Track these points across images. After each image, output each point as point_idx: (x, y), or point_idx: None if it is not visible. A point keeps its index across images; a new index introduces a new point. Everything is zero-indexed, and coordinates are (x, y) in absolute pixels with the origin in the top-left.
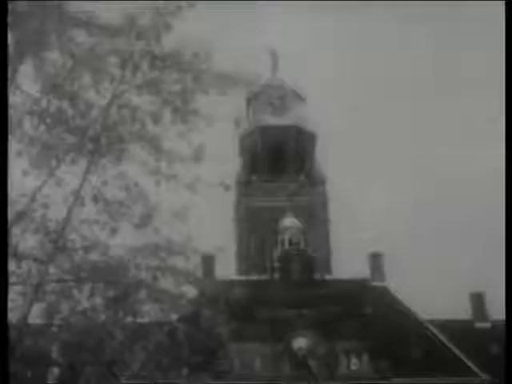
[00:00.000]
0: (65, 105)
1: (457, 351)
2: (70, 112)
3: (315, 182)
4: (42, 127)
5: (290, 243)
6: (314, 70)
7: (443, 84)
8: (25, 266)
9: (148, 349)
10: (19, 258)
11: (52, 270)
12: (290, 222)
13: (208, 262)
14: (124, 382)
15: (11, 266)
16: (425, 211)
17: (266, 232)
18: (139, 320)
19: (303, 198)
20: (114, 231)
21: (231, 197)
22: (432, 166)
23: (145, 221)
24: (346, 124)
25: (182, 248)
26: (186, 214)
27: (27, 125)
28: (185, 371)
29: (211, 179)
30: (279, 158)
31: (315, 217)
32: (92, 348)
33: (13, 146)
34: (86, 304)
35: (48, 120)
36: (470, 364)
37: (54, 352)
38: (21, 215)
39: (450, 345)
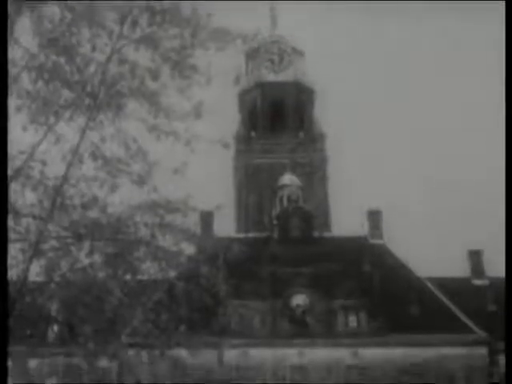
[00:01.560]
0: (62, 60)
1: (454, 308)
2: (68, 67)
3: (314, 138)
4: (40, 82)
5: (289, 200)
6: (313, 26)
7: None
8: (24, 222)
9: (147, 306)
10: (18, 214)
11: (51, 227)
12: (288, 179)
13: (207, 219)
14: (123, 339)
15: (10, 222)
16: (424, 169)
17: (264, 189)
18: (138, 277)
19: (302, 155)
20: (112, 188)
21: (230, 154)
22: (432, 124)
23: (144, 178)
24: (346, 81)
25: (180, 205)
26: (185, 171)
27: (25, 80)
28: (183, 328)
29: (210, 136)
30: (278, 115)
31: (314, 174)
32: (91, 305)
33: (11, 101)
34: (85, 261)
35: (46, 75)
36: (467, 321)
37: (54, 309)
38: (19, 171)
39: (447, 302)
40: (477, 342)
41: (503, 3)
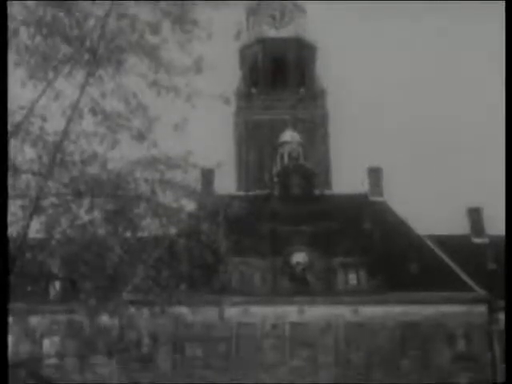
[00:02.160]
0: (61, 14)
1: (454, 266)
2: (67, 22)
3: (316, 95)
4: (39, 37)
5: (290, 158)
6: None
7: None
8: (23, 179)
9: (147, 263)
10: (18, 171)
11: (51, 183)
12: (289, 136)
13: (207, 176)
14: (124, 296)
15: (10, 179)
16: (426, 127)
17: (265, 146)
18: (139, 234)
19: (303, 112)
20: (112, 144)
21: (231, 110)
22: (435, 82)
23: (144, 133)
24: (348, 37)
25: (181, 161)
26: (186, 127)
27: (24, 35)
28: (184, 286)
29: (211, 92)
30: (279, 71)
31: (315, 131)
32: (92, 262)
33: (10, 56)
34: (85, 218)
35: (44, 30)
36: (466, 279)
37: (54, 266)
38: (19, 127)
39: (447, 260)
40: (476, 300)
41: (503, 3)
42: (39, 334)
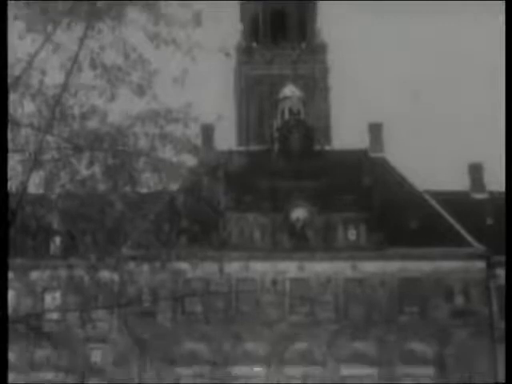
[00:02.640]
0: None
1: (453, 222)
2: None
3: (316, 50)
4: None
5: (290, 113)
6: None
7: None
8: (23, 133)
9: (148, 218)
10: (17, 125)
11: (50, 138)
12: (290, 91)
13: (207, 131)
14: (124, 251)
15: (9, 133)
16: (427, 82)
17: (265, 101)
18: (139, 190)
19: (304, 67)
20: (112, 98)
21: (231, 65)
22: (436, 35)
23: (143, 87)
24: None
25: (181, 115)
26: (186, 79)
27: None
28: (184, 241)
29: (211, 45)
30: (280, 26)
31: (316, 86)
32: (92, 217)
33: (9, 9)
34: (84, 173)
35: None
36: (466, 235)
37: (54, 221)
38: (18, 81)
39: (446, 216)
40: (475, 256)
41: (503, 3)
42: (40, 289)
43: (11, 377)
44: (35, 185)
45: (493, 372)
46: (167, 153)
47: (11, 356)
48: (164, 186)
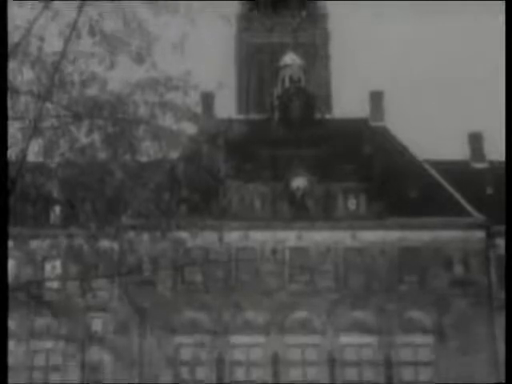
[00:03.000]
0: None
1: (453, 192)
2: None
3: (317, 17)
4: None
5: (291, 81)
6: None
7: None
8: (22, 101)
9: (148, 187)
10: (17, 92)
11: (49, 105)
12: (290, 58)
13: (207, 100)
14: (124, 220)
15: (8, 101)
16: (427, 50)
17: (266, 69)
18: (139, 158)
19: (305, 35)
20: (111, 65)
21: (232, 33)
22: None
23: (143, 54)
24: None
25: (181, 82)
26: (185, 47)
27: None
28: (184, 210)
29: (212, 12)
30: None
31: (316, 54)
32: (91, 186)
33: None
34: (84, 141)
35: None
36: (466, 205)
37: (54, 189)
38: (17, 48)
39: (446, 185)
40: (475, 226)
41: (503, 3)
42: (40, 258)
43: (11, 344)
44: (34, 153)
45: (491, 341)
46: (167, 121)
47: (12, 324)
48: (164, 155)
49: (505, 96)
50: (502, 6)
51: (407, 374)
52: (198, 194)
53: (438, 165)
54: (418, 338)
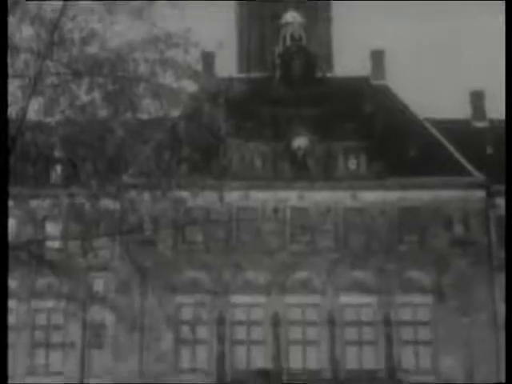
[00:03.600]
0: None
1: (454, 151)
2: None
3: None
4: None
5: (292, 39)
6: None
7: None
8: (22, 58)
9: (149, 145)
10: (16, 50)
11: (50, 63)
12: (291, 16)
13: (208, 59)
14: (125, 179)
15: (8, 59)
16: (429, 6)
17: (267, 28)
18: (140, 117)
19: None
20: (111, 23)
21: None
22: None
23: (142, 11)
24: None
25: (181, 40)
26: (185, 5)
27: None
28: (185, 168)
29: None
30: None
31: (317, 12)
32: (92, 144)
33: None
34: (84, 99)
35: None
36: (466, 164)
37: (55, 148)
38: (16, 4)
39: (447, 144)
40: (475, 185)
41: (503, 3)
42: (41, 217)
43: (13, 303)
44: (35, 111)
45: (490, 301)
46: (167, 79)
47: (13, 283)
48: (165, 113)
49: (505, 54)
50: (502, 5)
51: (406, 333)
52: (199, 153)
53: (439, 123)
54: (418, 298)
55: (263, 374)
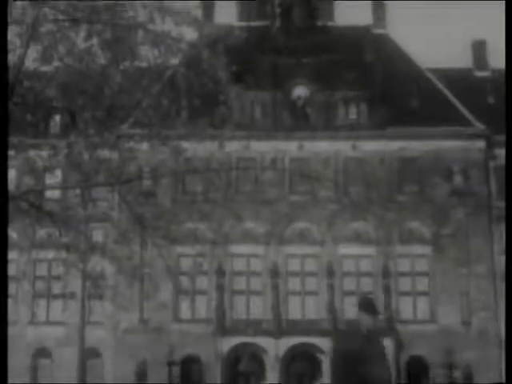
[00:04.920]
0: None
1: (455, 100)
2: None
3: None
4: None
5: None
6: None
7: None
8: (19, 5)
9: (148, 92)
10: None
11: (47, 9)
12: None
13: (208, 6)
14: (124, 129)
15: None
16: None
17: None
18: (138, 64)
19: None
20: None
21: None
22: None
23: None
24: None
25: None
26: None
27: None
28: (184, 118)
29: None
30: None
31: None
32: (90, 91)
33: None
34: (82, 46)
35: None
36: (467, 114)
37: (53, 95)
38: None
39: (448, 94)
40: (475, 135)
41: (503, 3)
42: (41, 167)
43: (14, 254)
44: (33, 59)
45: (489, 253)
46: (166, 26)
47: (13, 234)
48: (163, 60)
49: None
50: (502, 5)
51: (405, 284)
52: (198, 102)
53: (441, 73)
54: (417, 249)
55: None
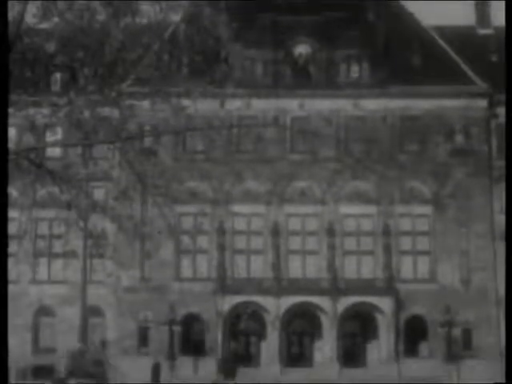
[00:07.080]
0: None
1: (457, 59)
2: None
3: None
4: None
5: None
6: None
7: None
8: None
9: (148, 50)
10: None
11: None
12: None
13: None
14: (124, 87)
15: None
16: None
17: None
18: (139, 20)
19: None
20: None
21: None
22: None
23: None
24: None
25: None
26: None
27: None
28: (185, 76)
29: None
30: None
31: None
32: (91, 47)
33: None
34: (83, 1)
35: None
36: (469, 72)
37: (53, 51)
38: None
39: (450, 52)
40: (477, 94)
41: (503, 3)
42: (41, 125)
43: (15, 213)
44: (33, 15)
45: (489, 212)
46: None
47: (14, 193)
48: (164, 17)
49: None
50: (502, 5)
51: (405, 243)
52: (199, 59)
53: (443, 30)
54: (417, 208)
55: None
